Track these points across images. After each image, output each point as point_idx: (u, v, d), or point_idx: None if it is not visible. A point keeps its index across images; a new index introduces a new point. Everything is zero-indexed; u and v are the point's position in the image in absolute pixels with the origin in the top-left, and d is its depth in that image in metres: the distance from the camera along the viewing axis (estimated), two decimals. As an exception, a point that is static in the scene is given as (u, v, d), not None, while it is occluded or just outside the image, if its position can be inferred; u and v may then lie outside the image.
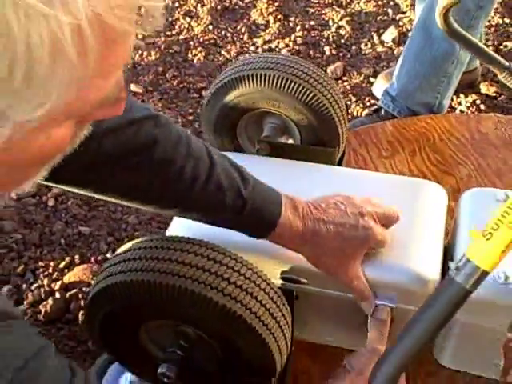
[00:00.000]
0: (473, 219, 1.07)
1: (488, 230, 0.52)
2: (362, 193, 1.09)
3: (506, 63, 1.12)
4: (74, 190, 0.90)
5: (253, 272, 0.90)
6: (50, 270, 1.46)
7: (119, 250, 0.94)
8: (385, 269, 0.97)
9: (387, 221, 0.98)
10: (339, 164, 1.35)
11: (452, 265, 0.55)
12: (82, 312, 1.36)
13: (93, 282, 0.94)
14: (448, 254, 1.04)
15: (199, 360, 0.94)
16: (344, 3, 2.50)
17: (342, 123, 1.29)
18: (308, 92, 1.23)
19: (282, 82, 1.22)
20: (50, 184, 0.86)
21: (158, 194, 0.89)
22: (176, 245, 0.90)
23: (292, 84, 1.23)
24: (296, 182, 1.14)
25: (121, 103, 0.52)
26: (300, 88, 1.23)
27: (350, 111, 1.94)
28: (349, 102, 1.98)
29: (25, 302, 1.38)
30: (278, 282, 1.01)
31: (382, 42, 2.25)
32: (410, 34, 1.83)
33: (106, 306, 0.91)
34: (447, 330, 1.04)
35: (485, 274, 0.53)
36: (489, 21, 2.34)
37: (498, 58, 1.12)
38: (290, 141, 1.32)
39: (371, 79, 2.06)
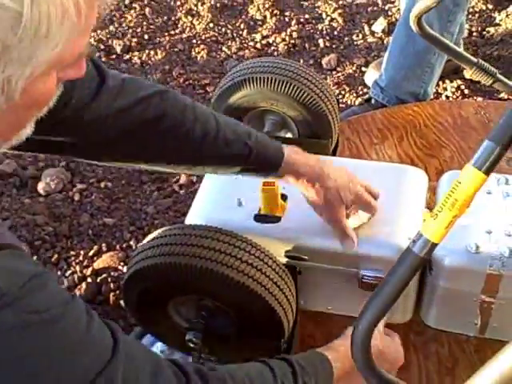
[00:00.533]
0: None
1: (435, 212, 0.68)
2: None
3: (474, 60, 1.27)
4: (107, 163, 1.09)
5: (261, 252, 1.08)
6: (81, 258, 1.64)
7: (148, 238, 1.12)
8: (373, 244, 1.14)
9: (371, 193, 1.16)
10: (334, 153, 1.52)
11: (410, 239, 0.72)
12: (112, 294, 1.54)
13: (127, 265, 1.12)
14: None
15: (219, 327, 1.12)
16: (336, -5, 2.64)
17: (333, 118, 1.45)
18: (302, 91, 1.40)
19: (279, 83, 1.39)
20: (94, 162, 1.10)
21: (173, 153, 1.05)
22: (195, 231, 1.08)
23: (288, 85, 1.39)
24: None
25: (82, 62, 0.69)
26: (295, 88, 1.39)
27: (343, 100, 2.10)
28: (343, 92, 2.14)
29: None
30: (283, 259, 1.18)
31: (372, 33, 2.40)
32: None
33: (140, 285, 1.09)
34: (430, 294, 1.22)
35: (434, 245, 0.69)
36: (472, 7, 2.49)
37: (467, 55, 1.28)
38: (289, 134, 1.49)
39: (363, 69, 2.22)
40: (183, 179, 1.86)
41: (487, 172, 0.64)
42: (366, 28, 2.43)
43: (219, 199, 1.29)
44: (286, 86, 1.39)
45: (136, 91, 0.98)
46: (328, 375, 0.96)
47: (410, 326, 1.28)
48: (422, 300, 1.24)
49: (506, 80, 1.24)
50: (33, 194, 1.84)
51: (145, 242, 1.12)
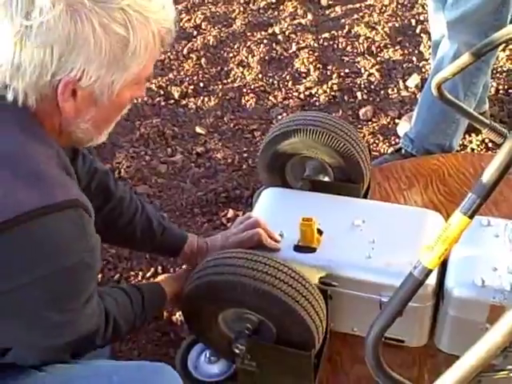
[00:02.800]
0: (462, 239, 1.44)
1: (432, 245, 0.90)
2: (378, 219, 1.49)
3: (487, 121, 1.49)
4: None
5: (300, 277, 1.29)
6: (139, 278, 1.87)
7: (207, 259, 1.35)
8: (392, 274, 1.34)
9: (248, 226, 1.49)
10: (365, 196, 1.74)
11: (413, 266, 0.93)
12: (165, 310, 1.76)
13: (186, 284, 1.34)
14: (443, 264, 1.41)
15: (261, 338, 1.33)
16: (374, 52, 2.88)
17: (365, 165, 1.67)
18: (339, 142, 1.63)
19: (319, 134, 1.62)
20: None
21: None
22: (247, 256, 1.30)
23: (327, 136, 1.62)
24: (330, 211, 1.54)
25: (145, 85, 1.09)
26: (333, 139, 1.62)
27: (377, 148, 2.32)
28: (377, 141, 2.36)
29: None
30: (318, 284, 1.39)
31: (406, 88, 2.63)
32: (429, 82, 2.18)
33: (197, 298, 1.31)
34: (442, 322, 1.41)
35: (430, 270, 0.90)
36: (500, 66, 2.70)
37: (481, 118, 1.50)
38: (326, 178, 1.72)
39: (396, 120, 2.44)
40: (230, 213, 2.10)
41: (471, 216, 0.86)
42: (401, 83, 2.66)
43: (264, 231, 1.52)
44: (325, 137, 1.62)
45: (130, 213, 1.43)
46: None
47: (425, 349, 1.47)
48: (436, 327, 1.44)
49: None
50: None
51: (203, 262, 1.35)
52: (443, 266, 1.40)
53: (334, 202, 1.59)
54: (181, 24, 3.18)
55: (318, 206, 1.57)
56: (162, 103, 2.63)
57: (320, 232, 1.48)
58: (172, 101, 2.65)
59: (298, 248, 1.46)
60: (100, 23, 0.89)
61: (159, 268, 1.90)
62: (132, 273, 1.90)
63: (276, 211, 1.58)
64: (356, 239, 1.47)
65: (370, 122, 2.46)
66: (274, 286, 1.24)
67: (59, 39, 0.87)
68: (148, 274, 1.88)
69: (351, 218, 1.51)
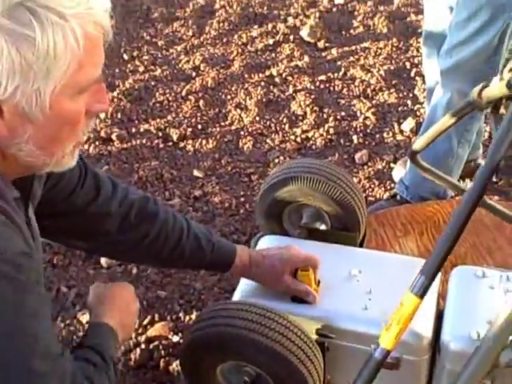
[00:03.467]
0: (458, 291, 1.45)
1: (388, 325, 0.93)
2: (374, 269, 1.50)
3: (462, 186, 1.52)
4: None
5: (297, 328, 1.30)
6: (136, 326, 1.87)
7: (204, 310, 1.35)
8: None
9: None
10: (361, 243, 1.75)
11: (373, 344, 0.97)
12: (162, 360, 1.75)
13: (186, 334, 1.35)
14: (439, 317, 1.42)
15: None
16: (370, 95, 2.93)
17: (362, 213, 1.69)
18: (335, 190, 1.64)
19: (316, 182, 1.64)
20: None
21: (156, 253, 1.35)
22: (243, 307, 1.31)
23: (323, 184, 1.64)
24: (327, 261, 1.55)
25: (103, 93, 0.95)
26: (330, 187, 1.64)
27: (373, 193, 2.34)
28: (372, 186, 2.38)
29: (119, 352, 1.79)
30: (314, 336, 1.39)
31: (401, 131, 2.66)
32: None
33: (194, 350, 1.32)
34: (439, 375, 1.41)
35: (388, 351, 0.93)
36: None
37: (457, 183, 1.53)
38: (323, 226, 1.73)
39: (392, 165, 2.47)
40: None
41: (421, 297, 0.90)
42: (396, 126, 2.69)
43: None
44: (322, 185, 1.64)
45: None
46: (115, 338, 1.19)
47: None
48: (433, 380, 1.44)
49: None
50: (96, 266, 2.10)
51: (200, 314, 1.35)
52: (439, 318, 1.40)
53: (330, 251, 1.60)
54: (180, 65, 3.23)
55: (316, 254, 1.58)
56: (161, 145, 2.66)
57: (318, 282, 1.49)
58: (170, 143, 2.68)
59: (295, 299, 1.47)
60: None
61: (156, 316, 1.90)
62: (129, 319, 1.90)
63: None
64: (353, 290, 1.47)
65: (365, 167, 2.48)
66: (271, 339, 1.25)
67: None
68: (145, 322, 1.88)
69: (348, 267, 1.52)
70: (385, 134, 2.66)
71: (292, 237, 1.73)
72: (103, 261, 2.10)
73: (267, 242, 1.65)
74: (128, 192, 1.32)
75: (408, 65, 3.16)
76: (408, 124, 2.67)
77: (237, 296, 1.50)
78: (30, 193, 1.06)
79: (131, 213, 1.29)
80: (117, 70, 3.20)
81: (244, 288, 1.52)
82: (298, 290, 1.40)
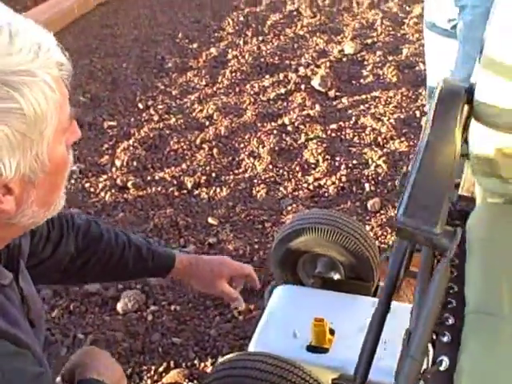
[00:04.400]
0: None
1: None
2: (389, 319, 1.51)
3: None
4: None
5: (312, 379, 1.32)
6: (152, 373, 1.89)
7: (220, 361, 1.37)
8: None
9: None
10: (375, 291, 1.77)
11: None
12: None
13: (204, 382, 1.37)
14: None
15: None
16: (381, 143, 2.98)
17: (375, 263, 1.72)
18: (349, 240, 1.68)
19: (330, 233, 1.68)
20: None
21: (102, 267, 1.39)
22: (259, 358, 1.33)
23: (338, 235, 1.68)
24: (341, 310, 1.57)
25: (74, 123, 0.93)
26: (344, 238, 1.68)
27: (385, 241, 2.37)
28: (385, 233, 2.41)
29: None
30: (330, 385, 1.41)
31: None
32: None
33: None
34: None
35: None
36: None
37: None
38: (337, 276, 1.76)
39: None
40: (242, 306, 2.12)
41: None
42: (408, 174, 2.73)
43: (277, 330, 1.55)
44: (336, 236, 1.67)
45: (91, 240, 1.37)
46: None
47: None
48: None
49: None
50: (112, 313, 2.12)
51: (217, 365, 1.37)
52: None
53: (345, 301, 1.63)
54: (193, 114, 3.31)
55: (329, 304, 1.61)
56: (176, 193, 2.71)
57: (332, 332, 1.51)
58: (185, 191, 2.72)
59: (310, 348, 1.49)
60: None
61: (171, 363, 1.91)
62: (144, 367, 1.91)
63: (289, 310, 1.62)
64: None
65: (378, 214, 2.51)
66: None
67: None
68: (160, 369, 1.89)
69: (362, 317, 1.53)
70: (396, 182, 2.69)
71: (306, 286, 1.76)
72: (119, 307, 2.12)
73: (282, 292, 1.68)
74: (74, 221, 1.35)
75: (418, 113, 3.22)
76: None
77: (252, 346, 1.53)
78: (18, 261, 1.03)
79: (79, 239, 1.34)
80: (132, 119, 3.28)
81: (259, 338, 1.55)
82: (230, 295, 1.51)
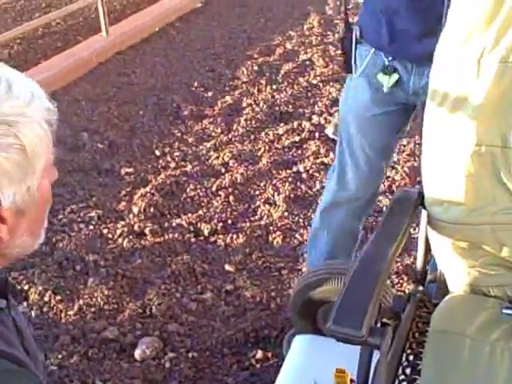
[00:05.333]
0: None
1: None
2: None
3: None
4: None
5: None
6: (171, 422, 1.89)
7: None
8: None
9: None
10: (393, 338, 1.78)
11: None
12: None
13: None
14: None
15: None
16: (395, 191, 3.01)
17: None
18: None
19: (350, 282, 1.69)
20: None
21: None
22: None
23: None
24: (356, 361, 1.58)
25: (54, 169, 0.98)
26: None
27: (401, 288, 2.38)
28: (401, 281, 2.42)
29: None
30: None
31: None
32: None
33: None
34: None
35: None
36: None
37: None
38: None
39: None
40: (259, 354, 2.13)
41: None
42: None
43: (298, 380, 1.56)
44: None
45: None
46: None
47: None
48: None
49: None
50: (130, 359, 2.13)
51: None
52: None
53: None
54: (209, 161, 3.36)
55: (349, 355, 1.61)
56: (192, 239, 2.74)
57: (352, 381, 1.51)
58: (202, 237, 2.75)
59: (331, 396, 1.49)
60: None
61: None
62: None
63: (309, 360, 1.63)
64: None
65: (394, 262, 2.53)
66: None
67: None
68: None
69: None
70: (411, 230, 2.72)
71: (326, 336, 1.77)
72: (137, 354, 2.13)
73: (302, 342, 1.70)
74: None
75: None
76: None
77: None
78: (7, 292, 1.04)
79: None
80: (149, 166, 3.34)
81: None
82: None
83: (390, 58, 1.80)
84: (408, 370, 1.34)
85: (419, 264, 1.60)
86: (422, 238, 1.55)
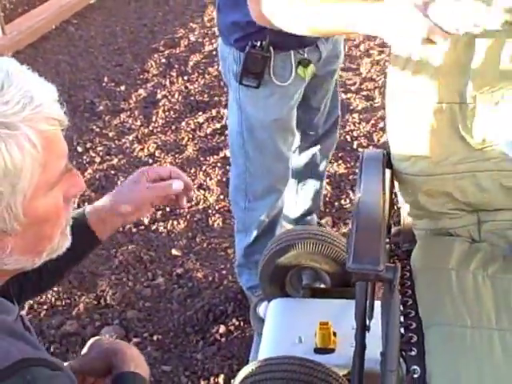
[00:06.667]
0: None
1: None
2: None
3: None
4: None
5: (336, 374, 1.42)
6: (148, 402, 1.91)
7: (243, 369, 1.45)
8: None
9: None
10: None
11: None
12: None
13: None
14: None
15: None
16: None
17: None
18: (333, 251, 1.81)
19: (315, 246, 1.80)
20: None
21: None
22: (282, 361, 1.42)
23: (322, 247, 1.81)
24: (337, 314, 1.70)
25: (75, 176, 0.91)
26: (328, 249, 1.81)
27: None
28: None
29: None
30: (343, 382, 1.52)
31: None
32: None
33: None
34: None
35: None
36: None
37: None
38: (322, 285, 1.88)
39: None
40: (222, 329, 2.20)
41: None
42: (351, 193, 2.93)
43: (283, 338, 1.65)
44: (322, 247, 1.80)
45: None
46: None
47: None
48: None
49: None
50: (94, 350, 2.12)
51: (242, 370, 1.45)
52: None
53: (339, 306, 1.75)
54: (135, 154, 3.36)
55: (324, 310, 1.73)
56: (134, 230, 2.74)
57: (335, 334, 1.63)
58: (142, 227, 2.77)
59: (318, 350, 1.59)
60: None
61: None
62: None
63: (288, 320, 1.72)
64: (367, 337, 1.62)
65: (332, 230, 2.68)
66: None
67: None
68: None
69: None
70: (342, 201, 2.88)
71: (295, 298, 1.87)
72: (101, 344, 2.13)
73: (278, 305, 1.79)
74: None
75: (348, 138, 3.44)
76: (362, 190, 2.91)
77: (263, 354, 1.61)
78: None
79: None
80: (74, 163, 3.27)
81: (267, 346, 1.65)
82: (159, 188, 1.18)
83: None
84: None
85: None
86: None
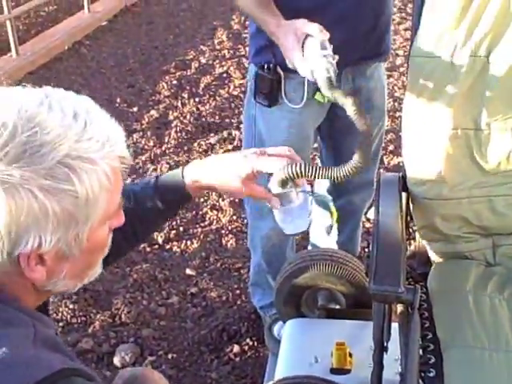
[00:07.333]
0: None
1: None
2: (397, 338, 1.69)
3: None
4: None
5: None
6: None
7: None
8: None
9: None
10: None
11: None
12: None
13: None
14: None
15: None
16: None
17: (372, 291, 1.89)
18: (349, 272, 1.84)
19: (331, 267, 1.84)
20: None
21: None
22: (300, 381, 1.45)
23: (338, 268, 1.84)
24: (354, 335, 1.73)
25: (121, 213, 0.98)
26: (343, 270, 1.84)
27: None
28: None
29: None
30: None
31: (368, 219, 2.94)
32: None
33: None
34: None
35: None
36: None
37: None
38: (337, 306, 1.91)
39: (366, 250, 2.71)
40: (236, 348, 2.23)
41: None
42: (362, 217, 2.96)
43: (299, 358, 1.68)
44: (336, 269, 1.83)
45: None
46: None
47: None
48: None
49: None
50: (110, 367, 2.15)
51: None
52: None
53: (354, 327, 1.78)
54: (148, 173, 3.41)
55: (340, 331, 1.76)
56: (148, 249, 2.78)
57: (350, 354, 1.66)
58: (156, 246, 2.81)
59: (334, 371, 1.62)
60: (39, 187, 0.82)
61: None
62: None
63: (304, 340, 1.75)
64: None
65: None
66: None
67: (2, 219, 0.82)
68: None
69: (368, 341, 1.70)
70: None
71: (311, 318, 1.90)
72: (116, 361, 2.16)
73: (294, 325, 1.81)
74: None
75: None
76: (372, 212, 2.94)
77: (279, 374, 1.64)
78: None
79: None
80: (88, 182, 3.32)
81: (284, 366, 1.67)
82: (259, 193, 1.22)
83: None
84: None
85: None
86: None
